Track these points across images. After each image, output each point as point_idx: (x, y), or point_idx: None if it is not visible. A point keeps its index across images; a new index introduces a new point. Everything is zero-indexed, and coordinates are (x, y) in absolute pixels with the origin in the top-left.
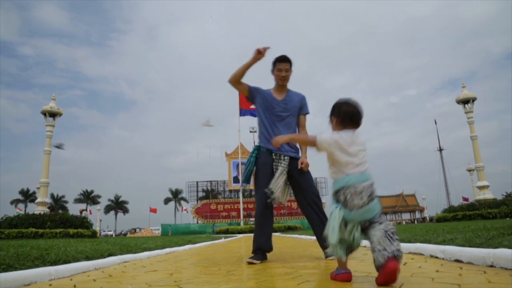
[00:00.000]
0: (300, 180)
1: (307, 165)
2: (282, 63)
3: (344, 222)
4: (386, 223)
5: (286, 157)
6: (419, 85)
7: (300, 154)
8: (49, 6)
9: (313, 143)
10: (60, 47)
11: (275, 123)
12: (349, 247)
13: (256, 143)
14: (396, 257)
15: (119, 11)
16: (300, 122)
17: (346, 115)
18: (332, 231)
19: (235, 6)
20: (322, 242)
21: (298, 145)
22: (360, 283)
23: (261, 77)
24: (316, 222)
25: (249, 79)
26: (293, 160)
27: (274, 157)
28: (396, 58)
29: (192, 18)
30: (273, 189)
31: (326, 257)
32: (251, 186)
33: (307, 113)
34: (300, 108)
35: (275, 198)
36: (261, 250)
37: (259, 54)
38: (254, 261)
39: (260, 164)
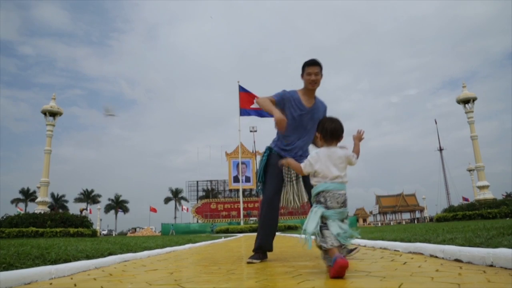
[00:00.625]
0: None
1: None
2: (312, 67)
3: (322, 218)
4: (354, 232)
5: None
6: (419, 85)
7: None
8: (49, 5)
9: (300, 171)
10: (60, 47)
11: (296, 133)
12: (340, 240)
13: (269, 144)
14: (345, 257)
15: (119, 11)
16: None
17: (327, 131)
18: (311, 223)
19: (235, 6)
20: None
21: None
22: (358, 282)
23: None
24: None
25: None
26: None
27: (284, 169)
28: (397, 58)
29: (192, 18)
30: (294, 204)
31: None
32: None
33: None
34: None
35: (296, 205)
36: (262, 249)
37: (277, 124)
38: (254, 261)
39: (270, 165)
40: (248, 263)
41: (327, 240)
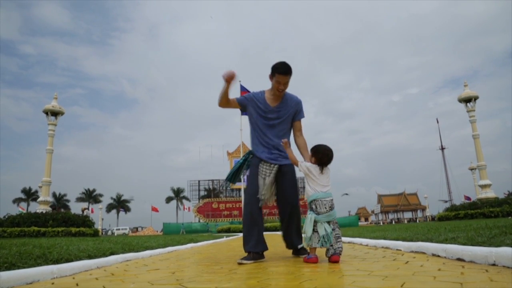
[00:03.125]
0: (282, 183)
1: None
2: (283, 76)
3: (315, 222)
4: (337, 229)
5: (275, 166)
6: (421, 84)
7: (290, 161)
8: (50, 4)
9: (296, 164)
10: (61, 46)
11: (266, 131)
12: (324, 241)
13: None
14: (339, 253)
15: (121, 10)
16: (296, 127)
17: (320, 160)
18: (308, 227)
19: (236, 5)
20: (289, 243)
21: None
22: (360, 281)
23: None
24: (284, 221)
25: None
26: (282, 166)
27: (264, 165)
28: (398, 57)
29: (193, 17)
30: (263, 196)
31: (300, 254)
32: (233, 186)
33: (302, 118)
34: (295, 114)
35: (263, 200)
36: (253, 251)
37: (228, 81)
38: (244, 262)
39: (251, 165)
40: (239, 263)
41: (313, 241)
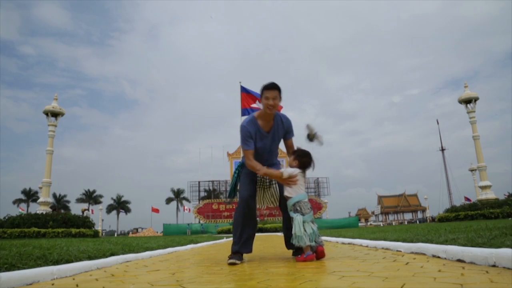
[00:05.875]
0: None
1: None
2: (269, 91)
3: (303, 223)
4: (315, 225)
5: (269, 179)
6: (421, 85)
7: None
8: (49, 5)
9: (281, 176)
10: (61, 47)
11: (262, 152)
12: (311, 238)
13: (241, 161)
14: (322, 245)
15: (120, 10)
16: (288, 145)
17: (302, 164)
18: (299, 229)
19: (236, 6)
20: (288, 244)
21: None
22: (361, 282)
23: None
24: (288, 228)
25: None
26: None
27: (258, 177)
28: (399, 57)
29: (193, 18)
30: (261, 206)
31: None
32: (236, 200)
33: (293, 137)
34: (285, 134)
35: (273, 205)
36: (240, 253)
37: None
38: (236, 261)
39: (243, 173)
40: (230, 264)
41: (305, 240)
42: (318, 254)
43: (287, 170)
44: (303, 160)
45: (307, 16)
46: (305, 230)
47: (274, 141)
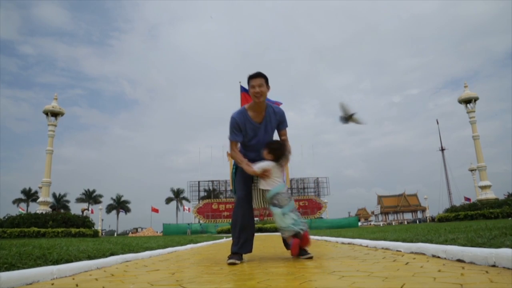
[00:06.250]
0: None
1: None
2: (255, 79)
3: (283, 215)
4: (297, 212)
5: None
6: (421, 85)
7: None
8: (49, 5)
9: (254, 172)
10: (60, 46)
11: (255, 146)
12: (296, 225)
13: None
14: (306, 229)
15: (120, 10)
16: (282, 135)
17: (276, 156)
18: (280, 221)
19: (236, 6)
20: (287, 244)
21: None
22: (360, 282)
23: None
24: None
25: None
26: None
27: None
28: (398, 57)
29: (193, 17)
30: (257, 206)
31: (299, 255)
32: None
33: (286, 127)
34: (278, 124)
35: (257, 206)
36: (240, 253)
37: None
38: (236, 261)
39: (239, 172)
40: (230, 264)
41: (288, 231)
42: (303, 240)
43: (260, 165)
44: (276, 152)
45: (307, 16)
46: (286, 221)
47: (267, 132)
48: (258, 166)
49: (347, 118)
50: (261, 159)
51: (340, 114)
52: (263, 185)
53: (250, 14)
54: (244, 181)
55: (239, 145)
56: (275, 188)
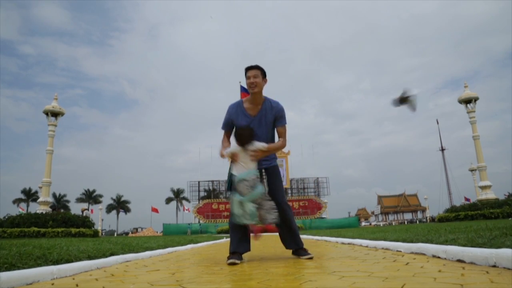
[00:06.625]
0: (268, 185)
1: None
2: (250, 70)
3: (241, 203)
4: (267, 201)
5: (263, 170)
6: (421, 85)
7: (274, 163)
8: (49, 5)
9: (223, 156)
10: (60, 46)
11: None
12: (252, 218)
13: None
14: (273, 223)
15: (120, 10)
16: (278, 133)
17: (240, 141)
18: (236, 208)
19: (236, 6)
20: (287, 243)
21: (272, 154)
22: (361, 283)
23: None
24: (281, 226)
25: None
26: (266, 170)
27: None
28: (398, 57)
29: (193, 17)
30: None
31: (299, 255)
32: None
33: (284, 124)
34: (275, 121)
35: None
36: (237, 253)
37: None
38: (236, 261)
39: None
40: (230, 264)
41: (244, 218)
42: (267, 228)
43: (228, 149)
44: (241, 138)
45: (307, 16)
46: (244, 210)
47: (261, 126)
48: (227, 150)
49: (402, 99)
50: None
51: (394, 97)
52: (232, 169)
53: (250, 14)
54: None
55: (226, 134)
56: (242, 174)
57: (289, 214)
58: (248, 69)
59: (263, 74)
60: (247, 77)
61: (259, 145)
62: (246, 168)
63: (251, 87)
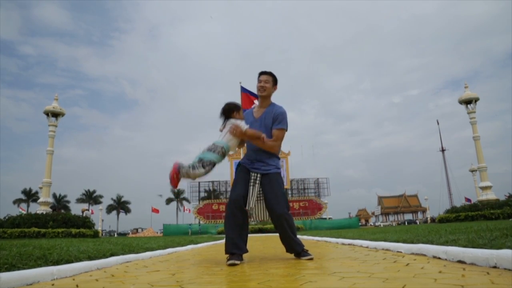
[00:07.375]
0: (266, 194)
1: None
2: (262, 75)
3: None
4: (205, 161)
5: (258, 175)
6: (421, 85)
7: (273, 170)
8: (49, 5)
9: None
10: (61, 46)
11: (249, 143)
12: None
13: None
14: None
15: (120, 11)
16: (272, 135)
17: (222, 111)
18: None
19: (237, 6)
20: (286, 248)
21: (271, 161)
22: (361, 283)
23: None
24: (280, 232)
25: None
26: (264, 176)
27: (250, 173)
28: (399, 58)
29: (194, 18)
30: (251, 210)
31: (300, 256)
32: None
33: (280, 128)
34: (273, 123)
35: (253, 214)
36: (234, 253)
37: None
38: (236, 262)
39: (236, 172)
40: (230, 265)
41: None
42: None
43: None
44: (224, 111)
45: (307, 16)
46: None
47: (262, 128)
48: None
49: None
50: (257, 151)
51: None
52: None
53: (251, 15)
54: (240, 181)
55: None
56: (216, 140)
57: (288, 229)
58: (261, 73)
59: (274, 81)
60: (259, 81)
61: (241, 123)
62: (222, 137)
63: (259, 90)
